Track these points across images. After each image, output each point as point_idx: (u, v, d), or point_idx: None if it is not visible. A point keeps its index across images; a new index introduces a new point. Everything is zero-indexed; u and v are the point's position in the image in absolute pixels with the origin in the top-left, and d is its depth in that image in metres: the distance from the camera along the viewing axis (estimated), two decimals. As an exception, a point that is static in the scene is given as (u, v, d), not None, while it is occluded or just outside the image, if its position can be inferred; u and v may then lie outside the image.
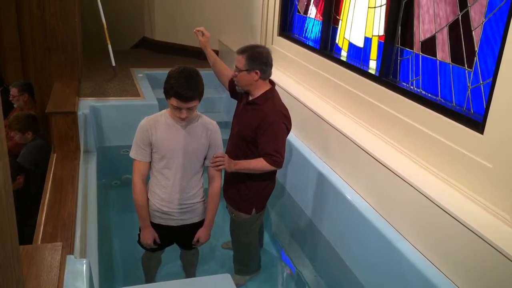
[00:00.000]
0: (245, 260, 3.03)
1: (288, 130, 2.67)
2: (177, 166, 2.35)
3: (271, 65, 2.63)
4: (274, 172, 2.78)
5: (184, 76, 2.18)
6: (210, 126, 2.40)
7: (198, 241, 2.52)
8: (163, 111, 2.39)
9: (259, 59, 2.57)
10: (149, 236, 2.45)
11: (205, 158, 2.43)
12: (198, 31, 2.98)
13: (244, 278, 3.02)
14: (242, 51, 2.61)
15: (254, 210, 2.78)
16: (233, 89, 2.86)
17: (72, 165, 3.21)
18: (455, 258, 2.09)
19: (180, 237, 2.58)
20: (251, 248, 3.00)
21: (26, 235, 2.66)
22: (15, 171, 3.03)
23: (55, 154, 3.34)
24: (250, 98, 2.68)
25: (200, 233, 2.51)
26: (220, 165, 2.46)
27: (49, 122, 3.41)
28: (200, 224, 2.52)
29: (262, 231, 3.26)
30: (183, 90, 2.15)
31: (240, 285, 2.96)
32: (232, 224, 2.93)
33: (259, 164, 2.58)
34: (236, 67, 2.61)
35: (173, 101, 2.19)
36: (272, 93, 2.65)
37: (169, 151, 2.32)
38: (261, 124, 2.55)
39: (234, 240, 3.00)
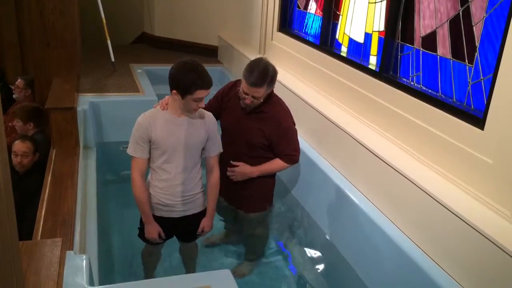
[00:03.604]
0: (258, 248, 3.10)
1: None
2: (178, 160, 2.35)
3: None
4: None
5: (196, 66, 2.20)
6: (207, 118, 2.41)
7: (202, 231, 2.54)
8: (160, 107, 2.38)
9: (274, 78, 2.54)
10: (154, 230, 2.45)
11: (203, 149, 2.44)
12: None
13: (253, 265, 3.07)
14: (260, 82, 2.46)
15: (267, 205, 2.89)
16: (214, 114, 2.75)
17: (71, 161, 3.21)
18: (455, 253, 2.09)
19: (181, 229, 2.58)
20: (266, 238, 3.10)
21: (24, 230, 2.66)
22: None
23: (54, 150, 3.34)
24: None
25: (204, 223, 2.53)
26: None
27: (48, 118, 3.41)
28: (199, 214, 2.53)
29: None
30: (206, 78, 2.18)
31: (247, 275, 3.01)
32: (244, 223, 2.97)
33: (278, 165, 2.71)
34: (253, 97, 2.51)
35: (198, 94, 2.17)
36: (276, 97, 2.69)
37: (170, 146, 2.32)
38: (277, 130, 2.61)
39: (246, 236, 3.06)
